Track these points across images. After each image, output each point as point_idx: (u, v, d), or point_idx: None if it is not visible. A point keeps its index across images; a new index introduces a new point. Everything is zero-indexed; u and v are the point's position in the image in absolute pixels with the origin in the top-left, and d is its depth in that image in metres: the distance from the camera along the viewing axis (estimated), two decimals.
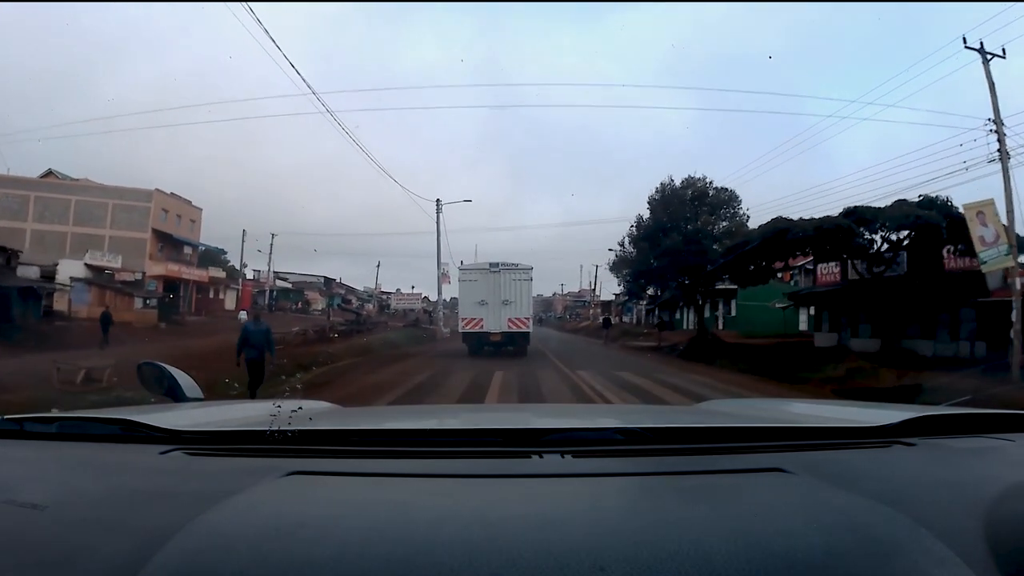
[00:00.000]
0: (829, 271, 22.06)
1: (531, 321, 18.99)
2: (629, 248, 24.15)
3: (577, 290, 76.45)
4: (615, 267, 24.92)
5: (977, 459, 1.04)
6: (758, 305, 31.00)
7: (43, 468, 0.98)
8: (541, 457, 0.98)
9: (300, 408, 1.15)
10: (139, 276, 31.28)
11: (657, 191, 23.01)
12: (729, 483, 0.86)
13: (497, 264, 18.44)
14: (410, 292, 48.09)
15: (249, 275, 47.05)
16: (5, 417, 1.15)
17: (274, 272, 51.56)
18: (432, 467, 0.94)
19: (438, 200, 30.29)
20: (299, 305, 47.52)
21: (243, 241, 42.86)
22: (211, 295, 39.93)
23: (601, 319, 37.30)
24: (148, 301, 29.21)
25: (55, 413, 1.24)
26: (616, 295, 58.36)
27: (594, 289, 59.07)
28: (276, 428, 1.01)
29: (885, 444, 1.07)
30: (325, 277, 59.80)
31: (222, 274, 41.39)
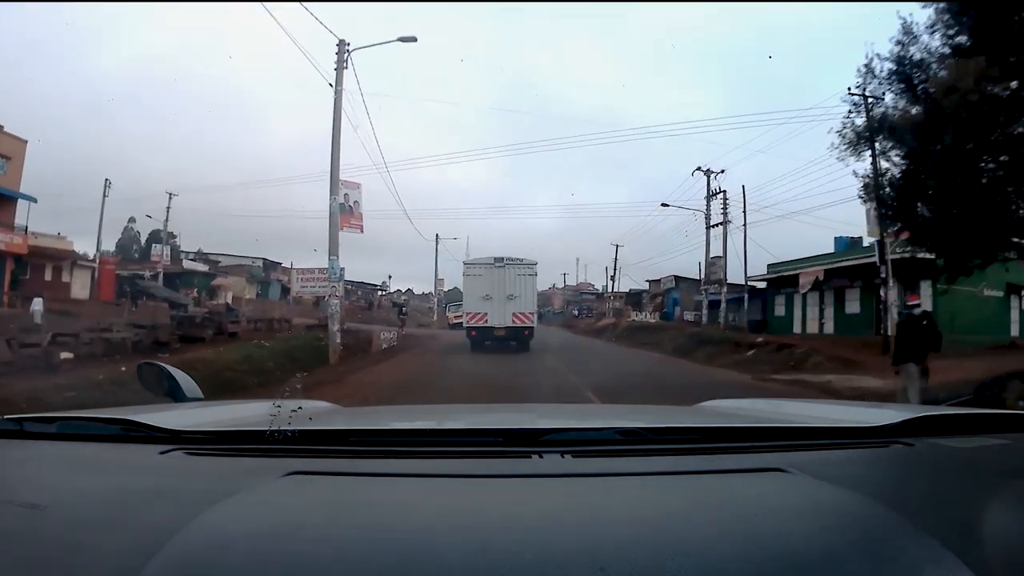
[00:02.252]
0: None
1: (535, 316, 18.25)
2: (896, 88, 7.42)
3: (575, 283, 68.28)
4: (866, 136, 8.28)
5: (976, 459, 1.04)
6: (964, 292, 16.57)
7: (43, 468, 0.98)
8: (541, 457, 0.98)
9: (300, 408, 1.13)
10: None
11: None
12: (729, 483, 0.86)
13: (502, 259, 17.93)
14: (318, 270, 26.78)
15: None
16: (5, 417, 1.16)
17: (180, 250, 37.21)
18: (432, 467, 0.94)
19: (342, 42, 14.94)
20: (197, 294, 32.93)
21: (104, 196, 28.60)
22: (47, 275, 25.87)
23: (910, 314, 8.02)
24: None
25: (55, 413, 1.23)
26: (653, 281, 42.78)
27: (613, 277, 47.44)
28: (276, 428, 1.01)
29: (884, 444, 1.07)
30: (265, 260, 45.44)
31: (67, 244, 27.16)
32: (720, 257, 23.98)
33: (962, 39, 6.50)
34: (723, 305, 23.69)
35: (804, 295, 21.39)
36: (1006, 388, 7.66)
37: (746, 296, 23.63)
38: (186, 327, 16.00)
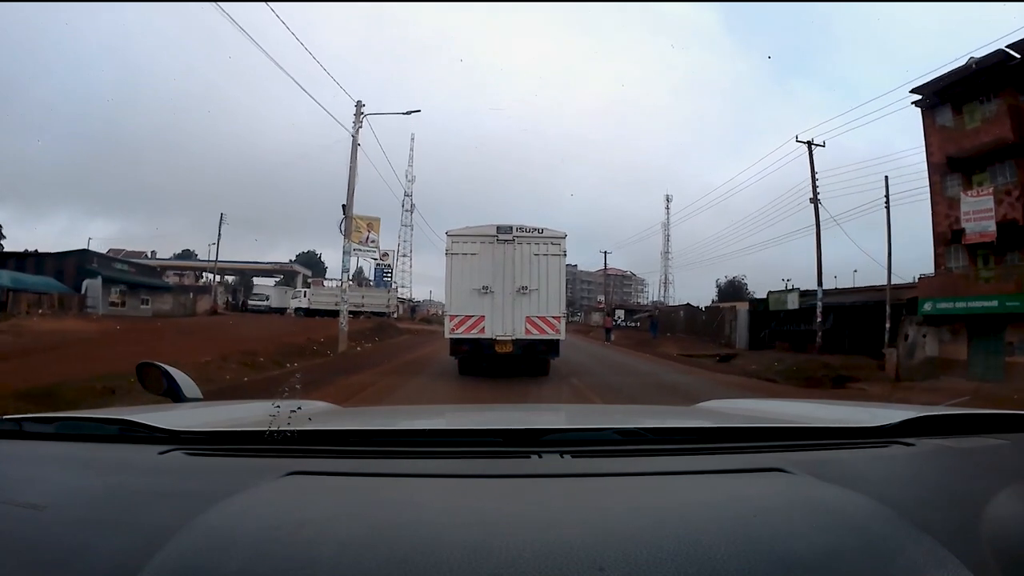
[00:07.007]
0: None
1: (563, 321, 11.94)
2: None
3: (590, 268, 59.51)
4: None
5: (976, 459, 1.04)
6: None
7: (42, 468, 0.98)
8: (540, 457, 0.98)
9: (299, 408, 1.14)
10: None
11: None
12: (729, 483, 0.86)
13: (509, 229, 11.71)
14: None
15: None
16: (4, 417, 1.16)
17: None
18: (432, 467, 0.95)
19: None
20: None
21: None
22: None
23: None
24: None
25: (54, 413, 1.25)
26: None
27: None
28: (275, 428, 1.01)
29: (884, 444, 1.08)
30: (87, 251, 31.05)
31: None
32: None
33: None
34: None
35: None
36: None
37: None
38: None
